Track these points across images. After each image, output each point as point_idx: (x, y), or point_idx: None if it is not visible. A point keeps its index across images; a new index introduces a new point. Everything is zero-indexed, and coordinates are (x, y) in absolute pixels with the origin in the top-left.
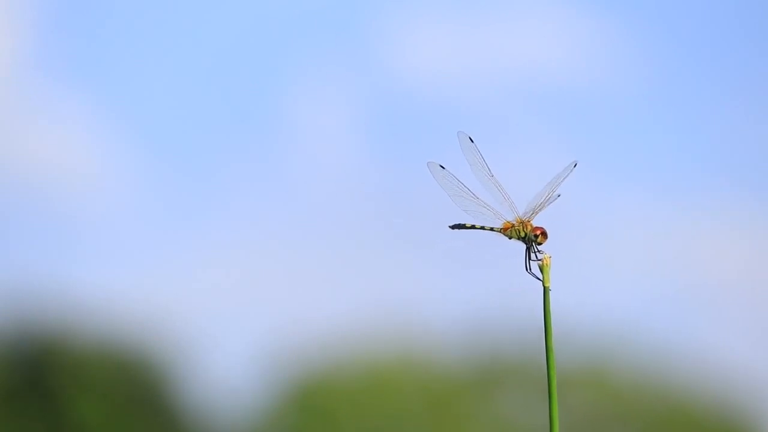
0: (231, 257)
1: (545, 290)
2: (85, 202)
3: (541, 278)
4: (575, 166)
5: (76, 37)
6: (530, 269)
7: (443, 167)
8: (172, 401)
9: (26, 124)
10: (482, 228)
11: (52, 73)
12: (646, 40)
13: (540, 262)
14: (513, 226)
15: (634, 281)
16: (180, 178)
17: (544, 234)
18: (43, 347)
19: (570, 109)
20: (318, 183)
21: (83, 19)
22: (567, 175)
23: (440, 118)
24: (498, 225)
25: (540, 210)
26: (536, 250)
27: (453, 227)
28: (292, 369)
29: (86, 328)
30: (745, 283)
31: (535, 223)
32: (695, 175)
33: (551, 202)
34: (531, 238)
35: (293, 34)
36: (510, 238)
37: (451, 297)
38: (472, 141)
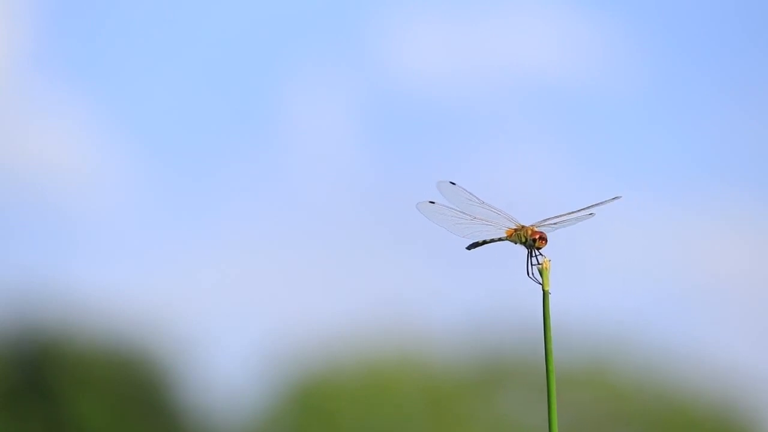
0: (231, 257)
1: (545, 294)
2: (84, 201)
3: (541, 282)
4: (615, 198)
5: (75, 36)
6: (531, 273)
7: (433, 202)
8: (173, 401)
9: (26, 124)
10: (492, 240)
11: (52, 72)
12: (645, 39)
13: (540, 266)
14: (515, 231)
15: (633, 281)
16: (180, 178)
17: (542, 238)
18: (43, 347)
19: (568, 109)
20: (318, 183)
21: (83, 19)
22: (603, 203)
23: (439, 117)
24: (503, 235)
25: (552, 223)
26: (536, 254)
27: (469, 248)
28: (292, 369)
29: (86, 327)
30: (745, 284)
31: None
32: (695, 175)
33: (572, 221)
34: (530, 243)
35: (292, 35)
36: (516, 243)
37: (451, 297)
38: (454, 183)
